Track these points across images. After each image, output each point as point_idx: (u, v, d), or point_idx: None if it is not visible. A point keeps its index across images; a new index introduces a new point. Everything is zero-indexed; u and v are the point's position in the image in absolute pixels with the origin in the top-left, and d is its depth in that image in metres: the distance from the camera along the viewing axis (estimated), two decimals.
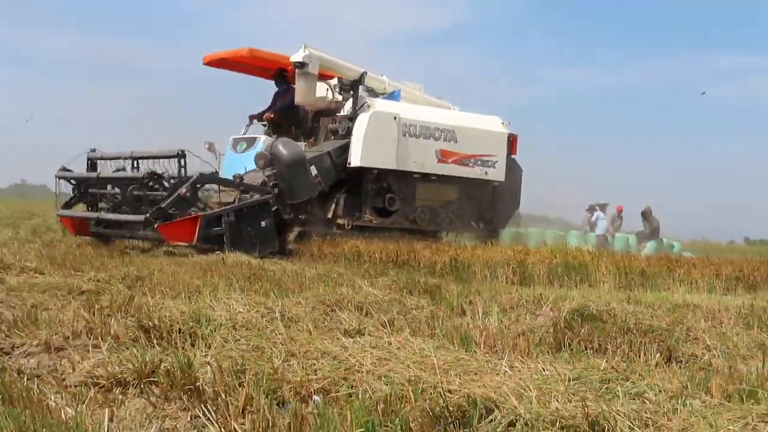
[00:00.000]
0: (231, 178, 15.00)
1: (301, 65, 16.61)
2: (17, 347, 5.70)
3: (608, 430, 3.71)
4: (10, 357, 5.53)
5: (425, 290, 9.27)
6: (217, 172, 15.72)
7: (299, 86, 16.87)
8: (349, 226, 16.35)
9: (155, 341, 5.75)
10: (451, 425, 3.79)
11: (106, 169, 15.87)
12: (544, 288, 11.24)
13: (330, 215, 16.45)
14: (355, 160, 16.33)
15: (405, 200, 17.20)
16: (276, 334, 5.75)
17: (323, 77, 17.61)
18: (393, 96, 18.08)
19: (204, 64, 18.29)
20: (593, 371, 4.59)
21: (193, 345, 5.63)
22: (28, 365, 5.26)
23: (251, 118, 18.30)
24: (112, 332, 5.93)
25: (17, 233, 16.49)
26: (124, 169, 15.76)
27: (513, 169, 18.67)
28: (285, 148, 15.47)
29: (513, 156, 18.73)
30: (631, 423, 3.75)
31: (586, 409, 3.82)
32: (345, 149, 16.40)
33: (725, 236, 38.45)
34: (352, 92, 17.19)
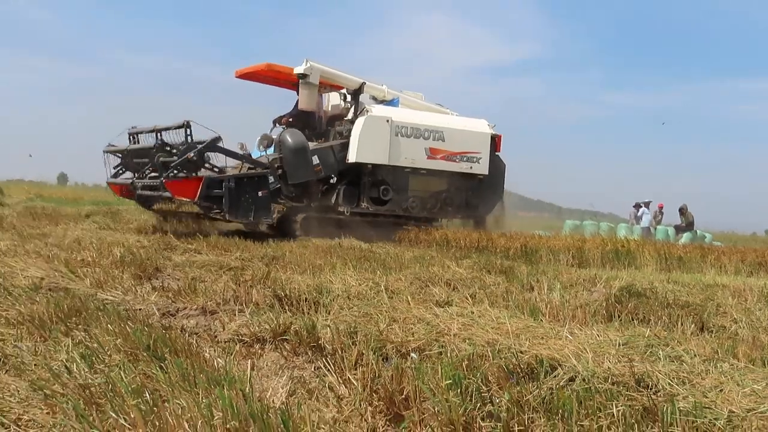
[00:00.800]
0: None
1: (303, 76, 16.12)
2: (180, 310, 5.83)
3: (651, 386, 3.63)
4: (175, 318, 5.66)
5: (501, 270, 9.20)
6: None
7: (302, 94, 16.39)
8: (348, 213, 15.88)
9: (286, 307, 5.82)
10: (522, 379, 3.75)
11: (149, 141, 14.98)
12: (598, 269, 11.06)
13: (332, 203, 15.97)
14: (352, 156, 15.81)
15: (398, 191, 16.47)
16: (381, 303, 5.76)
17: (332, 87, 17.16)
18: (392, 103, 17.42)
19: (236, 77, 17.53)
20: (639, 338, 4.49)
21: (316, 311, 5.69)
22: (188, 325, 5.37)
23: (274, 121, 17.49)
24: (253, 300, 6.02)
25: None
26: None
27: (496, 164, 17.83)
28: (290, 136, 15.26)
29: (497, 153, 17.91)
30: (671, 381, 3.67)
31: (633, 368, 3.75)
32: (346, 146, 15.93)
33: (749, 228, 37.29)
34: (353, 99, 16.73)
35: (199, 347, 4.52)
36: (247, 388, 3.49)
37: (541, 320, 5.33)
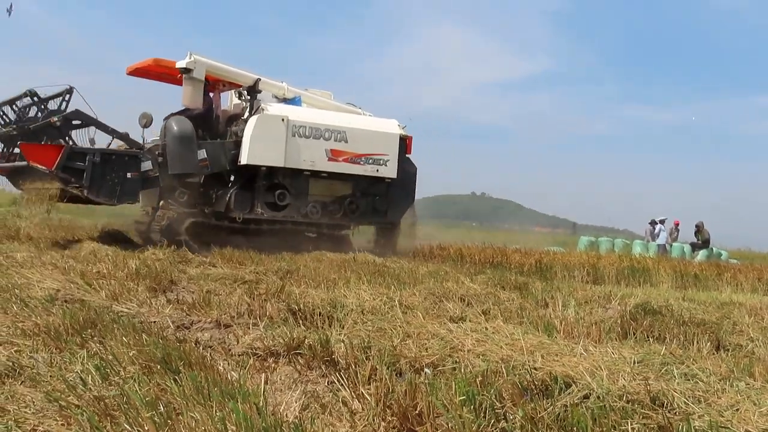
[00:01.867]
0: None
1: (186, 71, 14.72)
2: (195, 323, 5.84)
3: (667, 404, 3.61)
4: (189, 331, 5.67)
5: (515, 286, 9.18)
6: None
7: (185, 90, 14.92)
8: (240, 220, 14.73)
9: (300, 321, 5.82)
10: (536, 396, 3.74)
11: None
12: (613, 286, 11.04)
13: (223, 209, 14.90)
14: (243, 158, 14.71)
15: (297, 196, 15.30)
16: (395, 318, 5.77)
17: (231, 85, 15.86)
18: (294, 101, 16.24)
19: (127, 74, 16.20)
20: (654, 356, 4.48)
21: (330, 325, 5.69)
22: (203, 338, 5.39)
23: (166, 119, 15.35)
24: (267, 313, 6.03)
25: None
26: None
27: (407, 167, 16.66)
28: (176, 123, 14.18)
29: (408, 155, 16.79)
30: (686, 399, 3.65)
31: (648, 386, 3.73)
32: (239, 145, 14.84)
33: (766, 246, 37.00)
34: (249, 97, 15.37)
35: (213, 360, 4.52)
36: (261, 402, 3.49)
37: (556, 337, 5.31)
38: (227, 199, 14.93)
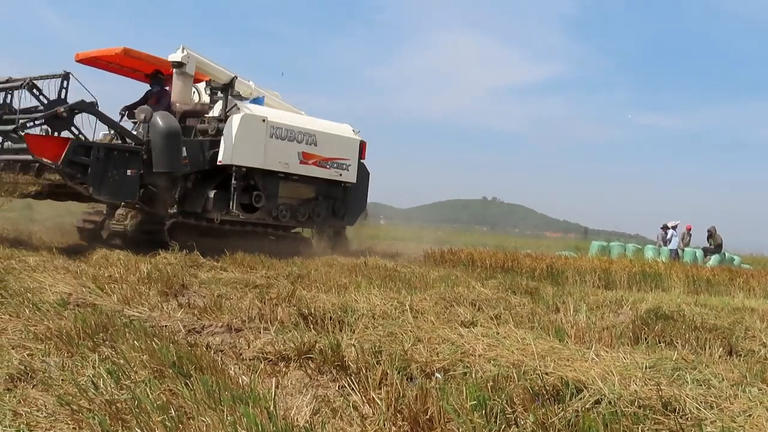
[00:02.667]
0: None
1: (179, 65, 14.48)
2: (206, 328, 5.85)
3: (679, 410, 3.60)
4: (200, 335, 5.68)
5: (526, 291, 9.16)
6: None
7: (176, 85, 14.73)
8: (218, 221, 14.39)
9: (311, 326, 5.83)
10: (548, 401, 3.73)
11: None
12: (624, 291, 11.01)
13: (200, 210, 14.42)
14: (225, 158, 14.26)
15: (269, 198, 15.13)
16: (406, 323, 5.76)
17: (196, 80, 15.45)
18: (258, 101, 15.96)
19: (76, 61, 15.26)
20: (666, 361, 4.46)
21: (341, 330, 5.69)
22: (214, 342, 5.40)
23: (122, 112, 14.95)
24: (278, 318, 6.04)
25: None
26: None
27: (362, 172, 16.80)
28: (162, 119, 13.48)
29: (362, 161, 16.88)
30: (698, 405, 3.64)
31: (660, 391, 3.72)
32: (215, 144, 14.30)
33: None
34: (223, 94, 14.82)
35: (224, 365, 4.53)
36: (272, 406, 3.50)
37: (567, 342, 5.30)
38: (205, 199, 14.53)
